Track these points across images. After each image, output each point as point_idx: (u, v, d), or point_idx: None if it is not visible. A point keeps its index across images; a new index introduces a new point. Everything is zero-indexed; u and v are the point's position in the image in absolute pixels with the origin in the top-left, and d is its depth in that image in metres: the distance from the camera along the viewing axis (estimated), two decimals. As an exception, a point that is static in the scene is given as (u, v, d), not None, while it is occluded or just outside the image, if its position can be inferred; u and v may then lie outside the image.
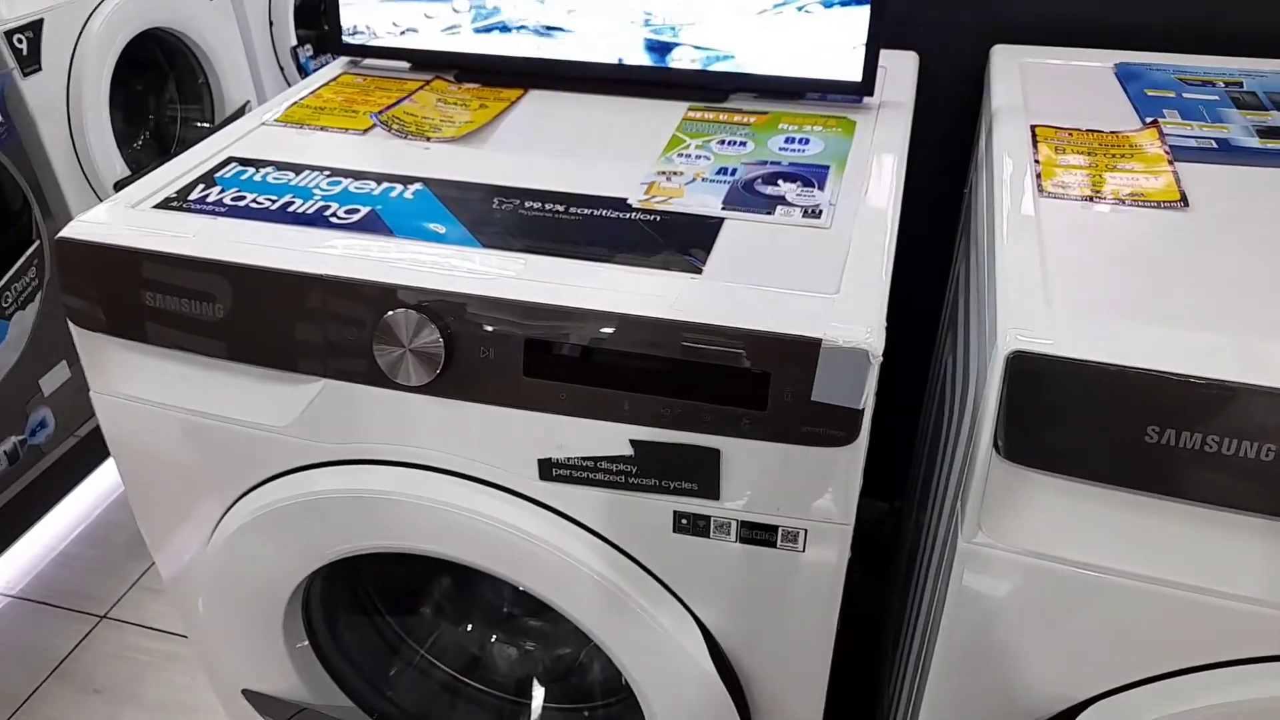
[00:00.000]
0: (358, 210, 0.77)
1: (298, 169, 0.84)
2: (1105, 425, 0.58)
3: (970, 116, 1.11)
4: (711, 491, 0.68)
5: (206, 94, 2.10)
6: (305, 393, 0.74)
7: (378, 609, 1.01)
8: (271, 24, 2.38)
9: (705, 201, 0.77)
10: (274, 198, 0.79)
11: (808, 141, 0.87)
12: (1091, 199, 0.75)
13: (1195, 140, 0.82)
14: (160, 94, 2.10)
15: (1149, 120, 0.86)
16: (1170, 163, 0.79)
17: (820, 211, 0.75)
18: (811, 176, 0.81)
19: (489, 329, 0.67)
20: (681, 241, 0.72)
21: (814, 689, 0.77)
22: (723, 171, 0.82)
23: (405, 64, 1.05)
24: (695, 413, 0.65)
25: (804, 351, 0.62)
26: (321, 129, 0.92)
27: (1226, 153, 0.81)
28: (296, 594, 0.87)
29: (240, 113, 2.12)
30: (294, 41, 2.41)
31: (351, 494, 0.75)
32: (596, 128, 0.92)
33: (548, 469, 0.71)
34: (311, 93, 0.99)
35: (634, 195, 0.78)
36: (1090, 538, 0.62)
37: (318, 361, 0.72)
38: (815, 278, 0.67)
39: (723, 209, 0.76)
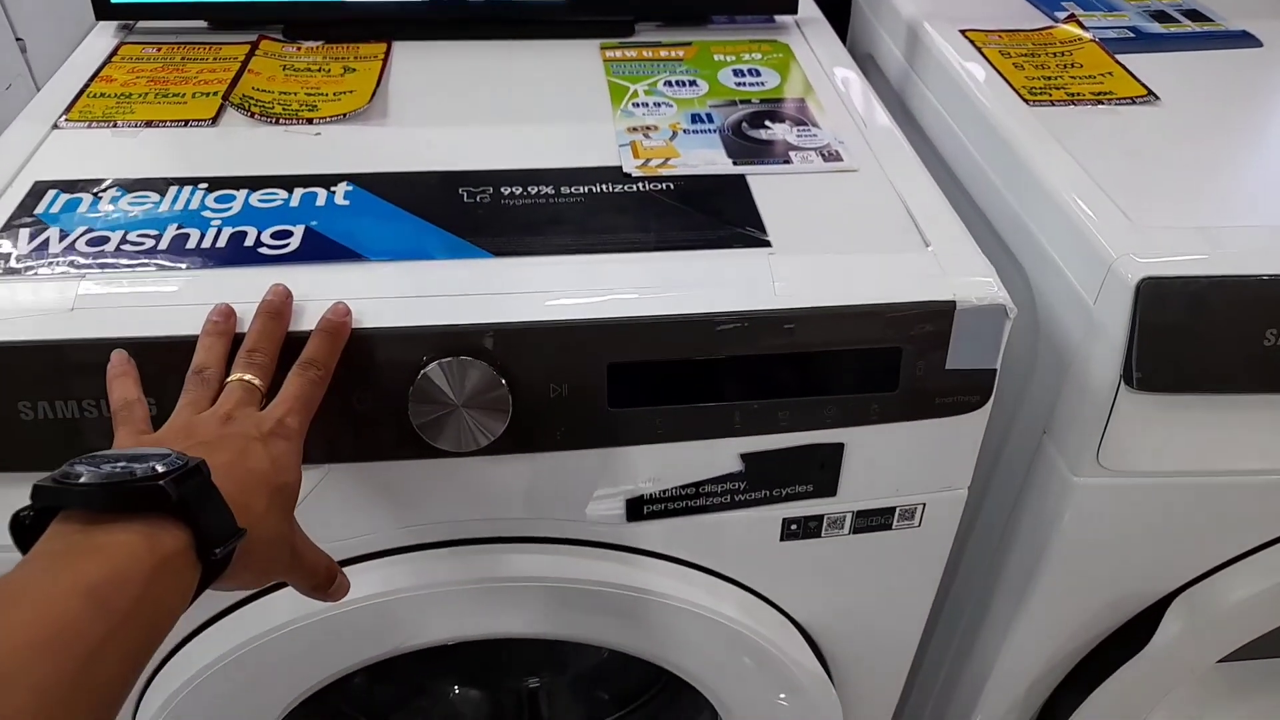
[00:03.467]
0: (290, 232, 0.58)
1: (156, 185, 0.61)
2: (1229, 336, 0.58)
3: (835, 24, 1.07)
4: (829, 489, 0.60)
5: None
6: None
7: None
8: None
9: (710, 158, 0.66)
10: (153, 233, 0.57)
11: (759, 73, 0.78)
12: (1072, 102, 0.74)
13: (1113, 31, 0.84)
14: None
15: (1064, 15, 0.86)
16: (1111, 57, 0.80)
17: (837, 153, 0.67)
18: (795, 112, 0.72)
19: (561, 361, 0.53)
20: (718, 210, 0.61)
21: (901, 656, 0.73)
22: (698, 119, 0.71)
23: (201, 23, 0.81)
24: (817, 408, 0.57)
25: (937, 317, 0.55)
26: (148, 124, 0.68)
27: (1145, 41, 0.83)
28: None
29: None
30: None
31: (382, 598, 0.58)
32: (509, 82, 0.76)
33: (637, 508, 0.59)
34: (96, 76, 0.73)
35: (626, 162, 0.65)
36: (1205, 446, 0.62)
37: (314, 446, 0.53)
38: (891, 233, 0.60)
39: (735, 165, 0.66)
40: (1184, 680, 0.75)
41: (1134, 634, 0.71)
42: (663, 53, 0.80)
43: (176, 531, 0.37)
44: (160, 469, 0.37)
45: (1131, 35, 0.84)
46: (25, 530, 0.37)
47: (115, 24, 0.80)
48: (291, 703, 0.67)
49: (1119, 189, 0.63)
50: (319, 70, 0.76)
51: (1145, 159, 0.67)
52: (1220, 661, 0.74)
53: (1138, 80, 0.76)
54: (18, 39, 2.01)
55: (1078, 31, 0.83)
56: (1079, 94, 0.74)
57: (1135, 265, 0.56)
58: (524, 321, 0.52)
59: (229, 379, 0.48)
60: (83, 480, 0.37)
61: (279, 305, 0.50)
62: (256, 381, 0.47)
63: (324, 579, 0.48)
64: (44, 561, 0.35)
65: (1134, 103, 0.74)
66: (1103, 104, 0.74)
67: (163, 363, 0.50)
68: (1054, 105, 0.73)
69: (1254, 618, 0.70)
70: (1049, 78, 0.77)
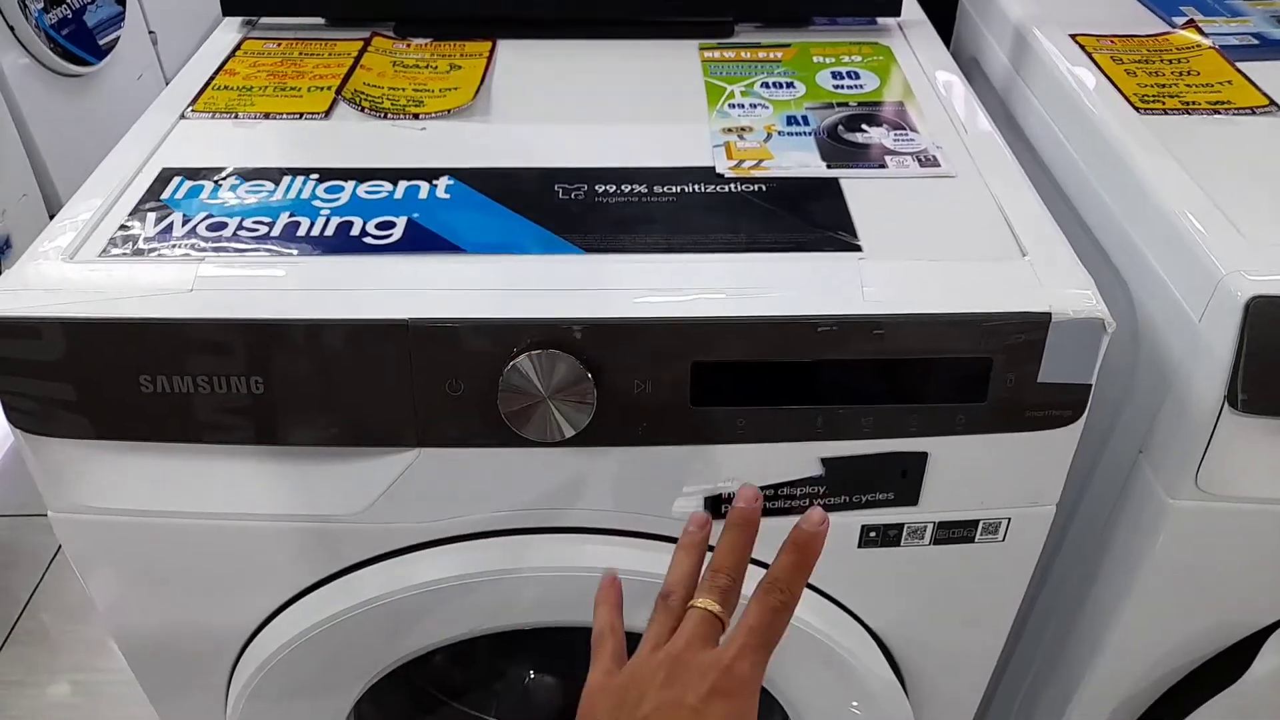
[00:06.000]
0: (393, 223, 0.60)
1: (271, 175, 0.64)
2: (1345, 361, 0.55)
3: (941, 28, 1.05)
4: (910, 498, 0.60)
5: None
6: (387, 470, 0.58)
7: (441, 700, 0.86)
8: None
9: (804, 160, 0.66)
10: (267, 220, 0.60)
11: (858, 75, 0.77)
12: (1186, 111, 0.71)
13: (1234, 38, 0.81)
14: None
15: (1183, 21, 0.83)
16: (1231, 64, 0.76)
17: (935, 158, 0.67)
18: (893, 116, 0.72)
19: (646, 358, 0.54)
20: (809, 213, 0.61)
21: (980, 673, 0.72)
22: (793, 121, 0.71)
23: (318, 20, 0.85)
24: (902, 416, 0.56)
25: (1031, 329, 0.54)
26: (266, 116, 0.71)
27: (1270, 48, 0.79)
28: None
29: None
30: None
31: (465, 580, 0.61)
32: (608, 83, 0.77)
33: (716, 507, 0.59)
34: (221, 69, 0.77)
35: (719, 163, 0.66)
36: (1312, 475, 0.59)
37: (408, 430, 0.56)
38: (987, 240, 0.59)
39: (829, 168, 0.66)
40: (1280, 719, 0.71)
41: (1227, 666, 0.68)
42: (761, 54, 0.81)
43: None
44: None
45: (1255, 42, 0.80)
46: None
47: (240, 19, 0.84)
48: (375, 675, 0.70)
49: (1232, 202, 0.60)
50: (427, 67, 0.78)
51: (1263, 172, 0.64)
52: (1322, 702, 0.70)
53: (1259, 89, 0.73)
54: (150, 31, 2.13)
55: (1196, 38, 0.80)
56: (1194, 103, 0.72)
57: (1245, 282, 0.54)
58: (612, 317, 0.53)
59: (692, 603, 0.46)
60: None
61: (750, 514, 0.48)
62: (716, 608, 0.46)
63: None
64: None
65: (1254, 113, 0.71)
66: (1219, 113, 0.71)
67: (271, 344, 0.52)
68: (1167, 114, 0.71)
69: (1362, 658, 0.66)
70: (1163, 85, 0.74)
